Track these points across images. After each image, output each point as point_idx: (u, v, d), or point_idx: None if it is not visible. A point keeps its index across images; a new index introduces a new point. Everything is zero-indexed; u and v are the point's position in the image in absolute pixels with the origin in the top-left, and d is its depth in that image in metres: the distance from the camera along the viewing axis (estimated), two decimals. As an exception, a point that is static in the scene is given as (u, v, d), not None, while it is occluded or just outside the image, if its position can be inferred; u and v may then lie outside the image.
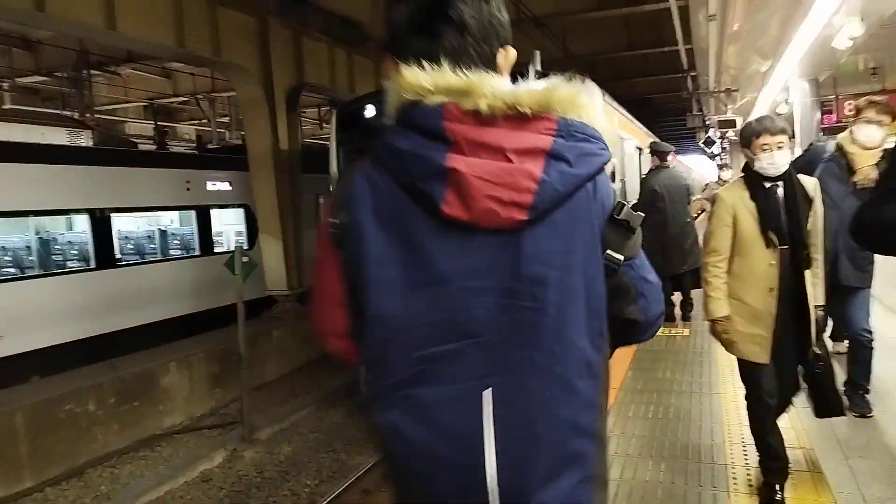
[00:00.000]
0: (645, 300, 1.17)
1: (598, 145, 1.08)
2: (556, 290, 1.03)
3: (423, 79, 1.02)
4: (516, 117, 1.02)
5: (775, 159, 2.89)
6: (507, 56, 1.12)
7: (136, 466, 7.52)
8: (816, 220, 3.01)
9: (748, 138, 2.96)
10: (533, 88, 1.04)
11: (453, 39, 1.06)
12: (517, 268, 1.02)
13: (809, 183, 3.06)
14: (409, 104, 1.04)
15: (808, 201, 2.98)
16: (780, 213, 2.92)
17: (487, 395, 1.01)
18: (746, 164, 3.07)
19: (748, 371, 3.11)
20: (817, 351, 2.97)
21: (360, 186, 1.07)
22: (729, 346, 3.09)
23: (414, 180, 1.02)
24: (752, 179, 2.99)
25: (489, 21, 1.08)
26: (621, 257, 1.11)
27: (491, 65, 1.09)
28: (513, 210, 1.00)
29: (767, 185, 2.95)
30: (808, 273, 2.97)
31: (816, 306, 3.00)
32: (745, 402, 3.23)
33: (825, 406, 3.07)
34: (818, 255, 3.02)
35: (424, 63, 1.03)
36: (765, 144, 2.88)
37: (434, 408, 1.01)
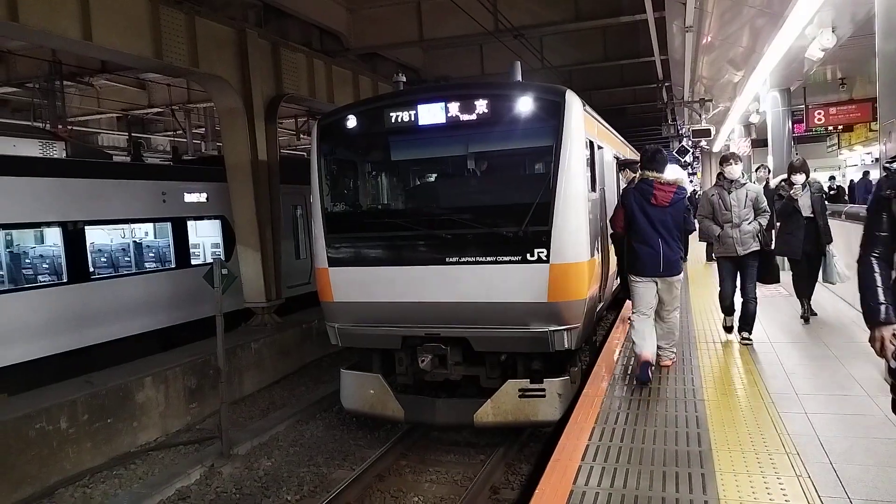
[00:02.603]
0: (690, 224, 6.61)
1: (685, 190, 6.06)
2: (673, 221, 5.76)
3: (652, 174, 5.80)
4: (668, 183, 5.77)
5: None
6: (666, 168, 5.91)
7: (109, 485, 7.29)
8: None
9: None
10: (672, 177, 5.92)
11: (657, 164, 5.83)
12: (667, 216, 5.72)
13: None
14: (647, 177, 5.80)
15: None
16: None
17: (661, 239, 5.69)
18: None
19: None
20: None
21: (629, 193, 5.91)
22: None
23: (645, 195, 5.74)
24: None
25: (664, 160, 5.94)
26: (685, 216, 6.03)
27: (663, 170, 5.84)
28: (665, 202, 5.71)
29: None
30: None
31: None
32: None
33: None
34: None
35: (650, 170, 5.84)
36: None
37: (650, 241, 5.68)
